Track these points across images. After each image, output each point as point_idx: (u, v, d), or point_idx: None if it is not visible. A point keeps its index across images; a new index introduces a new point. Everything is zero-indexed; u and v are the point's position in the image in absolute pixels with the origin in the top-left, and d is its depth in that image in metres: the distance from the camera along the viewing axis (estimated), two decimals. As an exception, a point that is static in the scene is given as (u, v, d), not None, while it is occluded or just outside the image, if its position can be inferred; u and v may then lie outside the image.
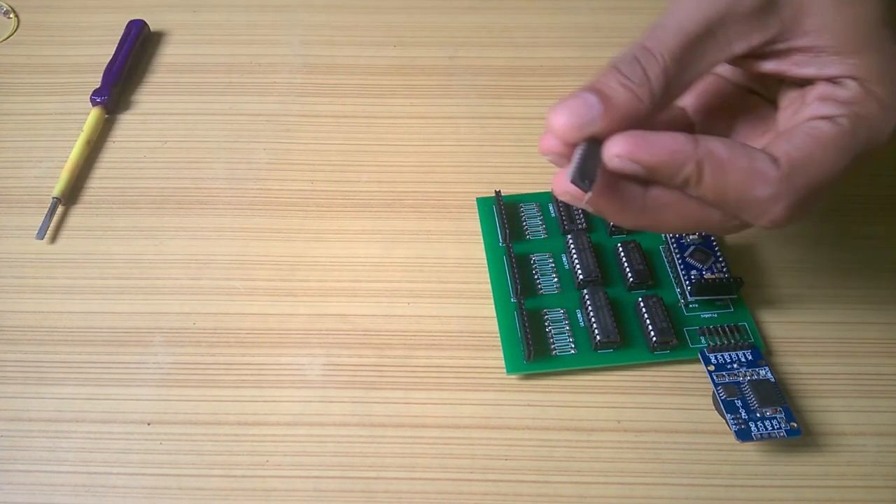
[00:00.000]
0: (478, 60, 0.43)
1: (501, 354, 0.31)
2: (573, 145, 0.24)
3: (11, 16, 0.46)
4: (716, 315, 0.32)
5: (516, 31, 0.45)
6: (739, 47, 0.24)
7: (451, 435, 0.30)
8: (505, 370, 0.31)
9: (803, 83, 0.25)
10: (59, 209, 0.37)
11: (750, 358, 0.31)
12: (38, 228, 0.36)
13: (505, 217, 0.35)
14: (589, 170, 0.23)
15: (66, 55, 0.44)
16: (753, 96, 0.28)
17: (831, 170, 0.23)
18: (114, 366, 0.32)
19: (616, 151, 0.23)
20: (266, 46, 0.45)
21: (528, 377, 0.31)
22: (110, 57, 0.43)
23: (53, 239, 0.36)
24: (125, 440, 0.30)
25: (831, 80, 0.24)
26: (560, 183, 0.24)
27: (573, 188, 0.23)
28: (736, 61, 0.25)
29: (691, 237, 0.34)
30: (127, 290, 0.34)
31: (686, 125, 0.28)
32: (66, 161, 0.38)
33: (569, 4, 0.46)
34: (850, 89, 0.24)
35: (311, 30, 0.46)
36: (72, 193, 0.38)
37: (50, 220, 0.36)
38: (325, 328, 0.33)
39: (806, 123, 0.24)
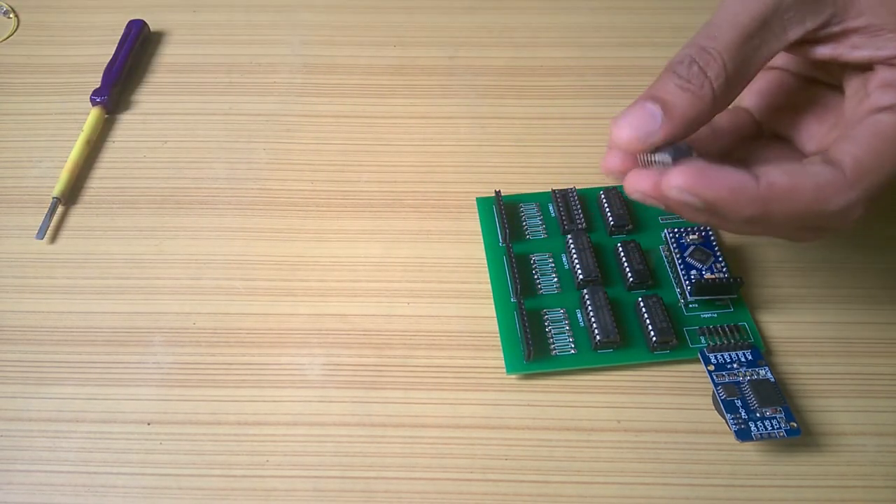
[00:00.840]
0: (478, 60, 0.43)
1: (501, 354, 0.31)
2: (635, 162, 0.24)
3: (11, 16, 0.46)
4: (715, 315, 0.32)
5: (516, 31, 0.45)
6: (794, 34, 0.23)
7: (451, 435, 0.30)
8: (505, 370, 0.31)
9: (864, 68, 0.24)
10: (59, 209, 0.37)
11: (750, 358, 0.31)
12: (38, 228, 0.36)
13: (505, 217, 0.35)
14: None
15: (66, 55, 0.44)
16: (818, 86, 0.27)
17: None
18: (114, 366, 0.32)
19: (676, 183, 0.23)
20: (266, 46, 0.45)
21: (527, 377, 0.31)
22: (110, 57, 0.43)
23: (53, 239, 0.36)
24: (125, 440, 0.30)
25: (890, 62, 0.23)
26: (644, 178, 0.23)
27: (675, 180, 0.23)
28: (793, 49, 0.24)
29: (691, 237, 0.34)
30: (127, 290, 0.34)
31: (751, 126, 0.28)
32: (65, 161, 0.38)
33: (569, 4, 0.46)
34: None
35: (311, 30, 0.46)
36: (72, 193, 0.38)
37: (50, 220, 0.36)
38: (325, 328, 0.33)
39: (868, 118, 0.23)
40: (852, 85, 0.25)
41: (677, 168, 0.23)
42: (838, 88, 0.27)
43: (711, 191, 0.22)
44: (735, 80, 0.23)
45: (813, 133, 0.27)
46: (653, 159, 0.24)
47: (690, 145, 0.24)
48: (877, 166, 0.23)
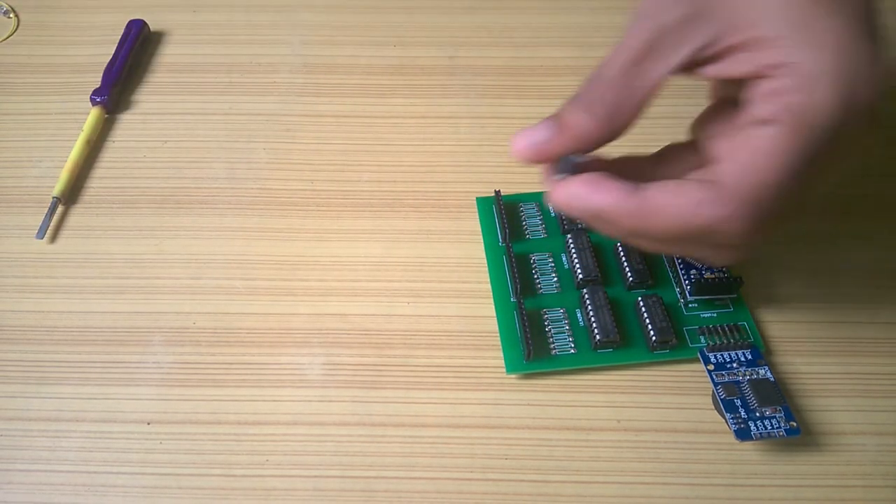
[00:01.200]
0: (478, 60, 0.43)
1: (501, 354, 0.31)
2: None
3: (11, 16, 0.46)
4: (715, 315, 0.32)
5: (516, 31, 0.45)
6: (676, 58, 0.24)
7: (451, 434, 0.30)
8: (504, 370, 0.31)
9: (743, 80, 0.24)
10: (59, 209, 0.37)
11: (749, 357, 0.31)
12: (38, 228, 0.36)
13: (504, 217, 0.35)
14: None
15: (66, 55, 0.44)
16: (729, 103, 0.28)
17: (779, 173, 0.23)
18: (114, 365, 0.32)
19: (564, 192, 0.26)
20: (266, 46, 0.45)
21: (527, 377, 0.31)
22: (110, 57, 0.43)
23: (53, 239, 0.36)
24: (125, 440, 0.30)
25: (767, 72, 0.23)
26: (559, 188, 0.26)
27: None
28: (683, 71, 0.25)
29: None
30: (127, 290, 0.34)
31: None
32: (66, 161, 0.38)
33: (569, 4, 0.46)
34: (781, 77, 0.22)
35: (311, 30, 0.46)
36: (72, 193, 0.38)
37: (50, 220, 0.36)
38: (325, 328, 0.33)
39: (745, 131, 0.24)
40: (731, 109, 0.26)
41: (568, 179, 0.26)
42: None
43: (594, 200, 0.25)
44: (625, 104, 0.25)
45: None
46: (555, 171, 0.27)
47: (588, 159, 0.27)
48: (750, 177, 0.23)
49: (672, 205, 0.24)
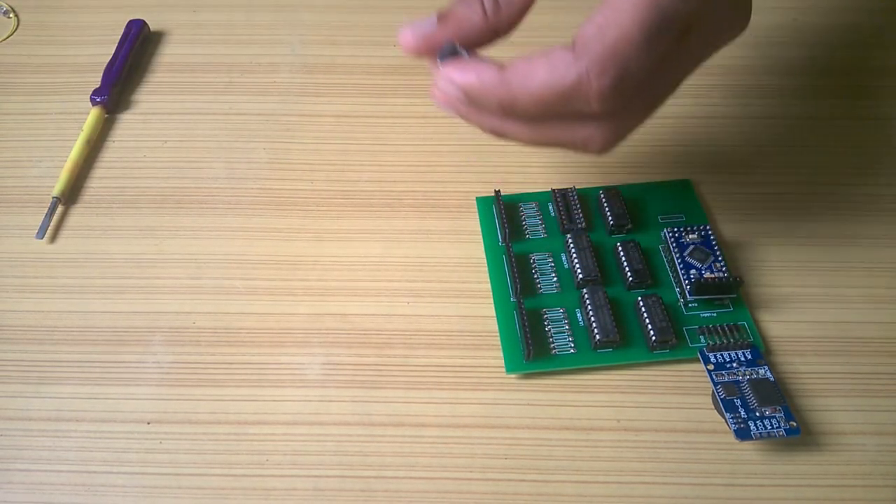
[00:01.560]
0: (477, 60, 0.43)
1: (501, 354, 0.31)
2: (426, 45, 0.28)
3: (11, 16, 0.46)
4: (715, 314, 0.32)
5: (516, 31, 0.45)
6: None
7: (451, 434, 0.30)
8: (504, 369, 0.31)
9: None
10: (59, 209, 0.37)
11: (749, 357, 0.31)
12: (37, 228, 0.36)
13: (504, 216, 0.35)
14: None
15: (66, 55, 0.44)
16: None
17: (632, 30, 0.24)
18: (113, 365, 0.32)
19: (441, 76, 0.27)
20: (266, 46, 0.45)
21: (527, 376, 0.31)
22: (110, 57, 0.43)
23: (53, 238, 0.36)
24: (125, 439, 0.30)
25: None
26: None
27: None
28: None
29: (690, 236, 0.34)
30: (127, 290, 0.34)
31: None
32: (65, 161, 0.38)
33: (569, 4, 0.46)
34: None
35: (311, 30, 0.46)
36: (72, 193, 0.38)
37: (50, 220, 0.36)
38: (325, 328, 0.33)
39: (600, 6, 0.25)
40: None
41: (443, 63, 0.27)
42: None
43: (462, 78, 0.26)
44: (512, 16, 0.27)
45: None
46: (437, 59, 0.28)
47: (466, 49, 0.28)
48: (599, 34, 0.24)
49: (532, 69, 0.25)
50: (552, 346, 0.31)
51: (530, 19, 0.45)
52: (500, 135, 0.29)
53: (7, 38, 0.45)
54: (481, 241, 0.35)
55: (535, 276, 0.33)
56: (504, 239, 0.35)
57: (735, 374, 0.30)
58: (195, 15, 0.47)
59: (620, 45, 0.24)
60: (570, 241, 0.34)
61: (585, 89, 0.24)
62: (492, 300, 0.33)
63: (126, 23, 0.44)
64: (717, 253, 0.33)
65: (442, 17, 0.28)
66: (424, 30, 0.28)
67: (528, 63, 0.25)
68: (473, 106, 0.27)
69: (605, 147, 0.27)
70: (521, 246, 0.34)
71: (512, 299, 0.33)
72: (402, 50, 0.28)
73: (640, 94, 0.26)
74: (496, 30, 0.28)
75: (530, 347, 0.30)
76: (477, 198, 0.37)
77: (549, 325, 0.32)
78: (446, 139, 0.40)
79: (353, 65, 0.43)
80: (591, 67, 0.24)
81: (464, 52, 0.28)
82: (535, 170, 0.38)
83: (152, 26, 0.45)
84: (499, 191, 0.35)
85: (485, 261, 0.34)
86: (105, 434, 0.30)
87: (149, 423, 0.30)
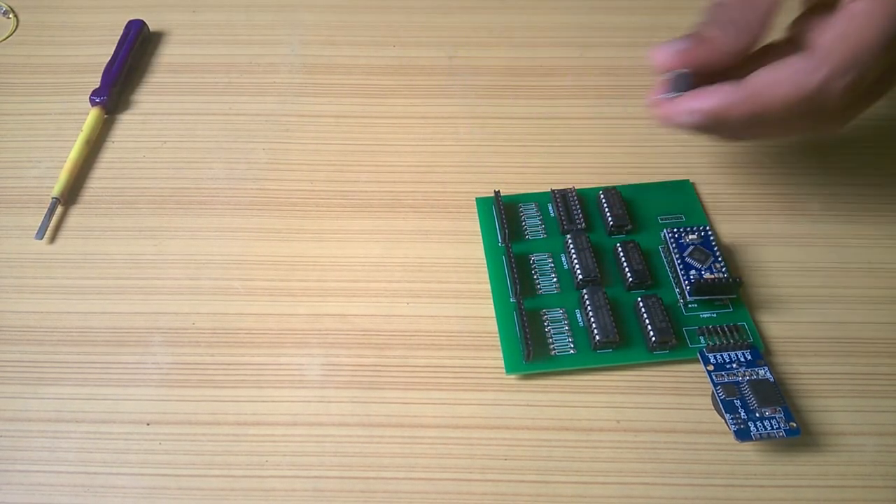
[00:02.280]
0: (477, 60, 0.43)
1: (500, 354, 0.31)
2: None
3: (11, 16, 0.46)
4: (715, 315, 0.32)
5: (516, 31, 0.45)
6: None
7: (451, 435, 0.30)
8: (504, 370, 0.31)
9: None
10: (59, 209, 0.37)
11: (749, 358, 0.31)
12: (37, 228, 0.36)
13: (504, 217, 0.35)
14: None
15: (66, 55, 0.44)
16: None
17: (872, 38, 0.26)
18: (113, 366, 0.32)
19: (681, 109, 0.29)
20: (266, 46, 0.45)
21: (527, 377, 0.31)
22: (109, 57, 0.43)
23: (53, 239, 0.36)
24: (124, 440, 0.30)
25: None
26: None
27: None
28: None
29: (690, 237, 0.34)
30: (126, 291, 0.34)
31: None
32: (65, 161, 0.38)
33: (569, 4, 0.46)
34: None
35: (311, 30, 0.46)
36: (71, 193, 0.38)
37: (49, 220, 0.36)
38: (325, 328, 0.33)
39: (839, 11, 0.27)
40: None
41: (678, 98, 0.29)
42: None
43: (706, 105, 0.28)
44: (752, 20, 0.28)
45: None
46: (670, 88, 0.30)
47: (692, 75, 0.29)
48: (841, 44, 0.26)
49: (776, 80, 0.27)
50: (552, 346, 0.31)
51: (530, 19, 0.46)
52: (740, 140, 0.31)
53: (7, 38, 0.45)
54: (481, 241, 0.35)
55: (535, 276, 0.33)
56: (504, 239, 0.34)
57: (735, 374, 0.30)
58: (195, 15, 0.47)
59: (860, 52, 0.26)
60: (569, 241, 0.34)
61: (829, 92, 0.27)
62: (491, 301, 0.33)
63: (126, 23, 0.44)
64: (717, 253, 0.33)
65: (696, 37, 0.29)
66: (680, 46, 0.29)
67: (770, 75, 0.27)
68: (719, 124, 0.29)
69: (838, 130, 0.30)
70: (521, 246, 0.34)
71: (512, 300, 0.33)
72: (654, 62, 0.30)
73: (869, 94, 0.29)
74: (744, 49, 0.29)
75: (530, 348, 0.30)
76: (477, 198, 0.37)
77: (548, 325, 0.32)
78: (446, 139, 0.40)
79: (353, 65, 0.43)
80: (834, 72, 0.26)
81: (689, 78, 0.29)
82: (535, 170, 0.38)
83: (152, 26, 0.45)
84: (498, 191, 0.35)
85: (484, 261, 0.34)
86: (104, 435, 0.30)
87: (148, 424, 0.30)
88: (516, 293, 0.32)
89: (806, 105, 0.27)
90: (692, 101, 0.29)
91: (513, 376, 0.31)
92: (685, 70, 0.29)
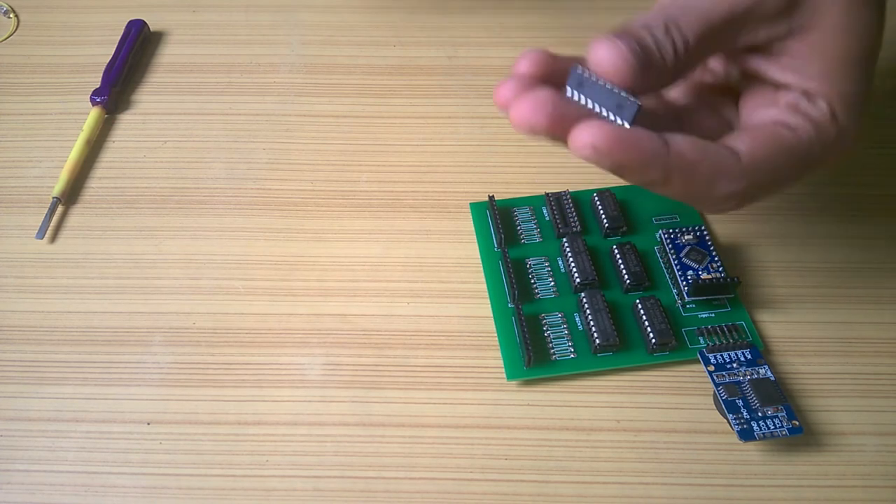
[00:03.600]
0: (477, 60, 0.43)
1: (500, 354, 0.31)
2: (525, 92, 0.23)
3: (11, 16, 0.46)
4: (713, 315, 0.32)
5: (516, 31, 0.45)
6: (745, 41, 0.25)
7: (451, 435, 0.30)
8: (505, 375, 0.31)
9: (776, 84, 0.26)
10: (59, 209, 0.37)
11: (749, 357, 0.31)
12: (37, 228, 0.36)
13: (499, 222, 0.34)
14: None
15: (66, 55, 0.44)
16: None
17: (787, 175, 0.26)
18: (113, 365, 0.32)
19: (590, 141, 0.23)
20: (266, 46, 0.45)
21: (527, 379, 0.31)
22: (110, 57, 0.43)
23: (53, 239, 0.36)
24: (125, 440, 0.30)
25: (805, 92, 0.26)
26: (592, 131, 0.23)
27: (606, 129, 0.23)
28: (732, 52, 0.26)
29: (686, 237, 0.34)
30: (126, 290, 0.34)
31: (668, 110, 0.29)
32: (65, 161, 0.38)
33: (569, 4, 0.46)
34: (820, 109, 0.25)
35: (311, 30, 0.46)
36: (71, 193, 0.38)
37: (50, 220, 0.36)
38: (325, 328, 0.33)
39: (772, 125, 0.25)
40: (754, 91, 0.27)
41: (588, 125, 0.23)
42: (727, 88, 0.29)
43: (622, 155, 0.23)
44: (686, 64, 0.25)
45: (700, 121, 0.28)
46: (588, 103, 0.23)
47: (636, 95, 0.24)
48: (768, 167, 0.25)
49: (703, 165, 0.24)
50: (552, 351, 0.31)
51: (530, 19, 0.46)
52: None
53: (7, 38, 0.45)
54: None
55: (532, 281, 0.33)
56: (500, 244, 0.34)
57: (736, 374, 0.30)
58: (195, 15, 0.47)
59: (771, 189, 0.26)
60: (565, 244, 0.34)
61: (727, 201, 0.26)
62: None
63: (126, 23, 0.44)
64: (714, 253, 0.33)
65: (640, 52, 0.24)
66: (621, 64, 0.24)
67: (697, 155, 0.24)
68: (608, 167, 0.24)
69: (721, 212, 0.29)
70: (517, 251, 0.34)
71: (510, 305, 0.33)
72: (600, 63, 0.24)
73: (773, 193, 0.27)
74: (680, 71, 0.25)
75: (530, 354, 0.30)
76: (471, 203, 0.36)
77: (548, 330, 0.32)
78: (446, 140, 0.40)
79: (353, 65, 0.43)
80: (746, 191, 0.25)
81: (634, 100, 0.23)
82: (536, 170, 0.38)
83: (152, 26, 0.45)
84: (492, 196, 0.35)
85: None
86: (105, 435, 0.30)
87: (149, 424, 0.30)
88: (514, 298, 0.32)
89: (706, 195, 0.25)
90: (606, 140, 0.23)
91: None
92: (636, 99, 0.23)
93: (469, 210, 0.36)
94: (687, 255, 0.33)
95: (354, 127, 0.40)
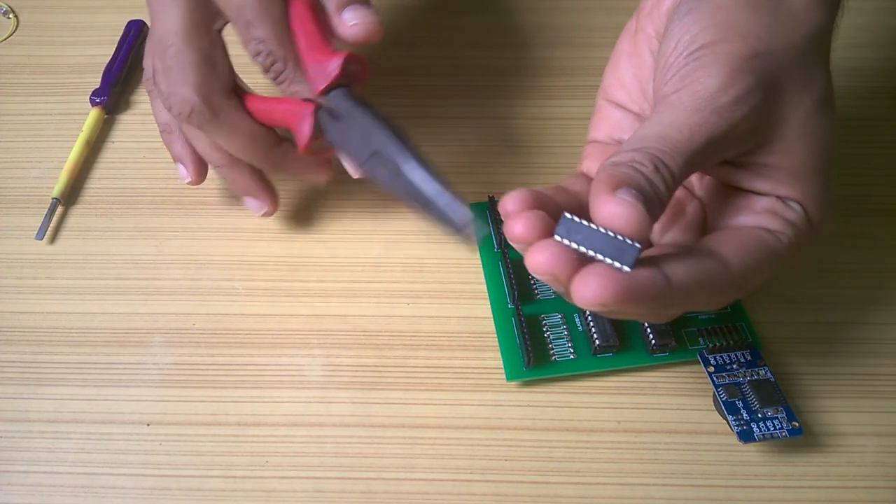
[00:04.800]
0: (478, 60, 0.43)
1: (500, 354, 0.31)
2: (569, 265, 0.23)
3: (11, 16, 0.46)
4: (713, 316, 0.32)
5: (516, 31, 0.45)
6: (719, 159, 0.26)
7: (451, 436, 0.30)
8: (504, 376, 0.31)
9: (750, 192, 0.27)
10: (59, 209, 0.37)
11: (749, 358, 0.31)
12: (37, 229, 0.36)
13: (499, 222, 0.34)
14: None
15: (66, 55, 0.44)
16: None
17: (768, 273, 0.27)
18: (113, 366, 0.32)
19: (598, 300, 0.22)
20: (266, 46, 0.44)
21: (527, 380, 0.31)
22: (110, 57, 0.43)
23: (53, 239, 0.36)
24: (125, 441, 0.30)
25: (780, 197, 0.27)
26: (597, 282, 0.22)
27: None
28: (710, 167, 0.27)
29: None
30: (126, 291, 0.34)
31: None
32: (65, 161, 0.38)
33: (569, 4, 0.46)
34: (796, 212, 0.27)
35: (311, 30, 0.45)
36: (71, 194, 0.38)
37: (49, 221, 0.36)
38: (325, 329, 0.33)
39: (755, 231, 0.26)
40: (724, 198, 0.28)
41: (592, 279, 0.22)
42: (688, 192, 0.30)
43: (631, 306, 0.22)
44: (674, 191, 0.25)
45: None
46: (583, 249, 0.23)
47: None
48: (755, 271, 0.26)
49: (700, 287, 0.24)
50: (552, 352, 0.31)
51: (530, 19, 0.45)
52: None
53: (7, 38, 0.45)
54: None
55: (532, 281, 0.33)
56: (499, 245, 0.34)
57: (735, 375, 0.30)
58: (195, 15, 0.46)
59: (755, 280, 0.26)
60: (568, 242, 0.33)
61: (717, 305, 0.26)
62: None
63: (126, 23, 0.44)
64: (717, 254, 0.33)
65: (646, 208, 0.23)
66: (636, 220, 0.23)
67: (693, 279, 0.24)
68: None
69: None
70: (517, 251, 0.34)
71: (510, 306, 0.33)
72: (619, 223, 0.23)
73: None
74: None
75: (530, 355, 0.30)
76: (471, 204, 0.36)
77: (548, 331, 0.32)
78: (445, 140, 0.40)
79: (353, 65, 0.43)
80: (741, 289, 0.26)
81: (632, 243, 0.22)
82: (535, 170, 0.38)
83: (152, 26, 0.45)
84: (492, 196, 0.35)
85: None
86: (105, 435, 0.30)
87: (148, 425, 0.30)
88: (514, 299, 0.32)
89: (698, 306, 0.26)
90: (609, 292, 0.22)
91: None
92: (633, 242, 0.22)
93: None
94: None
95: (354, 127, 0.40)
